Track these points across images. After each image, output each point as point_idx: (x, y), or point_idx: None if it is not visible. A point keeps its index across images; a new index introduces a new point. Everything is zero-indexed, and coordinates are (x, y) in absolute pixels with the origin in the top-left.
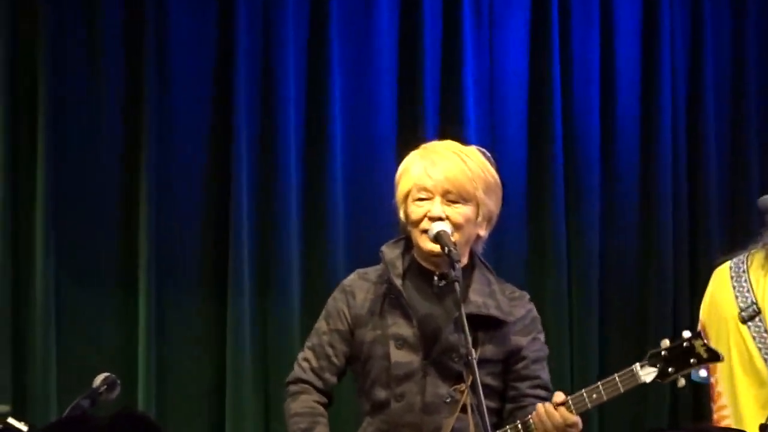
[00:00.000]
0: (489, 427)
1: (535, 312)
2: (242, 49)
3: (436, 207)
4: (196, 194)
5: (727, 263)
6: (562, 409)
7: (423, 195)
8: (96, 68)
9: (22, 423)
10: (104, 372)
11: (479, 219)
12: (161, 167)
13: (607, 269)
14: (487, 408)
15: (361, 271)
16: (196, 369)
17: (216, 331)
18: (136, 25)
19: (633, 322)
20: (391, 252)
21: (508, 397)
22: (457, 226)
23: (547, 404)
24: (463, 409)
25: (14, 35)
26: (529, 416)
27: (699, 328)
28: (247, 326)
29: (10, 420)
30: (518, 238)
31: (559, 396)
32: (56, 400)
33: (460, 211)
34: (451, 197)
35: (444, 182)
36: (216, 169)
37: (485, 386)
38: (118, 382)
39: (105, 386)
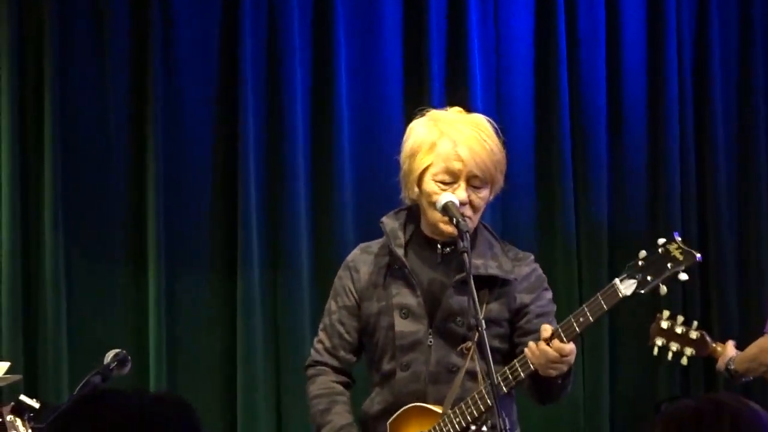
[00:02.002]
0: (492, 370)
1: (540, 271)
2: (248, 22)
3: (461, 192)
4: (205, 171)
5: None
6: (555, 342)
7: (448, 179)
8: (103, 51)
9: (34, 400)
10: (115, 348)
11: (491, 196)
12: (170, 144)
13: (615, 239)
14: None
15: (363, 245)
16: (207, 345)
17: (226, 307)
18: (142, 16)
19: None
20: (392, 222)
21: (515, 355)
22: (476, 209)
23: (538, 342)
24: (470, 376)
25: (21, 27)
26: (524, 354)
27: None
28: (257, 302)
29: (22, 397)
30: (526, 210)
31: (546, 330)
32: (67, 376)
33: (482, 195)
34: (476, 183)
35: (474, 168)
36: (224, 146)
37: (491, 348)
38: (129, 358)
39: (116, 362)
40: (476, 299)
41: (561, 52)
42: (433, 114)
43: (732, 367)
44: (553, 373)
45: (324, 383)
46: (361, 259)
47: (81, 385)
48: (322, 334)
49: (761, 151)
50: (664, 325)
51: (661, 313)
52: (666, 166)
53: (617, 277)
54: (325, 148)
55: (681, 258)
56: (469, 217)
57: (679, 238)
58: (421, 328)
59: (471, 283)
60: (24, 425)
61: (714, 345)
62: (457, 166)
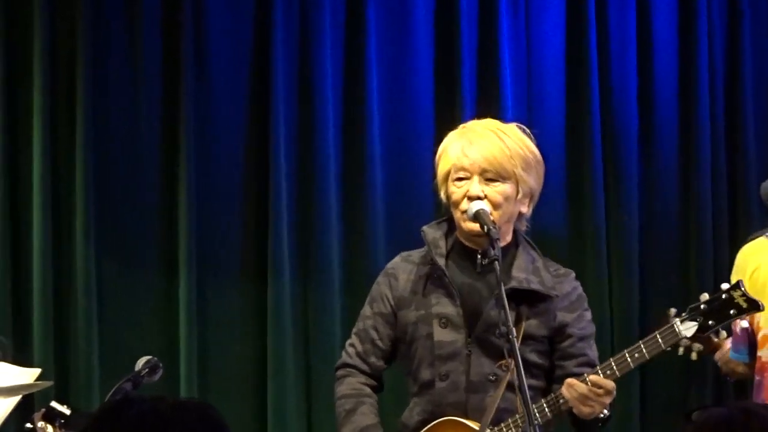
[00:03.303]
0: (529, 402)
1: (581, 290)
2: (279, 39)
3: (474, 186)
4: (236, 178)
5: (762, 239)
6: (592, 377)
7: (461, 175)
8: (135, 57)
9: (65, 406)
10: (146, 355)
11: (519, 196)
12: (201, 151)
13: (646, 248)
14: (532, 387)
15: (404, 253)
16: (238, 352)
17: (257, 314)
18: (175, 16)
19: (674, 299)
20: (433, 232)
21: (554, 377)
22: (495, 205)
23: (572, 379)
24: (510, 389)
25: (53, 24)
26: (560, 389)
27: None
28: (287, 310)
29: (53, 404)
30: (556, 218)
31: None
32: (98, 383)
33: (499, 190)
34: (489, 176)
35: (481, 161)
36: (255, 154)
37: (530, 363)
38: (161, 365)
39: (147, 369)
40: (506, 307)
41: (592, 60)
42: (463, 124)
43: (719, 365)
44: (586, 411)
45: (352, 384)
46: (401, 267)
47: (112, 392)
48: (354, 338)
49: None
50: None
51: (669, 310)
52: (697, 173)
53: (673, 310)
54: (356, 156)
55: (745, 306)
56: (489, 213)
57: (744, 287)
58: (460, 338)
59: (502, 291)
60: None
61: (716, 341)
62: (466, 161)
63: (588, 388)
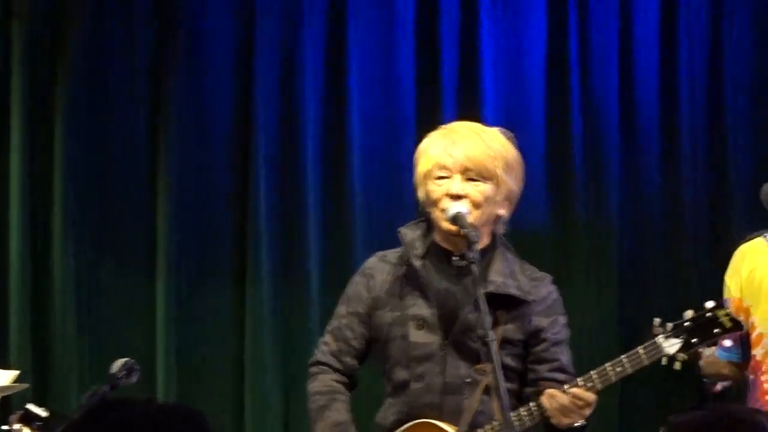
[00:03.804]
0: (508, 407)
1: (556, 294)
2: (262, 42)
3: (456, 184)
4: (217, 182)
5: (759, 239)
6: (574, 389)
7: (442, 173)
8: (117, 57)
9: (42, 409)
10: (123, 357)
11: (499, 198)
12: (182, 152)
13: (627, 249)
14: (506, 389)
15: (381, 253)
16: (216, 353)
17: (235, 315)
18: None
19: (653, 300)
20: (410, 233)
21: (527, 381)
22: (476, 204)
23: (553, 389)
24: (487, 391)
25: (33, 20)
26: (541, 398)
27: (731, 306)
28: (266, 311)
29: (30, 406)
30: (537, 221)
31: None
32: (76, 385)
33: (480, 189)
34: (471, 175)
35: (464, 160)
36: (236, 155)
37: (505, 367)
38: (137, 367)
39: (124, 371)
40: (486, 312)
41: (573, 61)
42: (443, 126)
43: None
44: (566, 421)
45: (325, 382)
46: (378, 267)
47: (89, 394)
48: (328, 336)
49: None
50: (657, 332)
51: (654, 320)
52: (678, 173)
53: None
54: (337, 158)
55: (729, 326)
56: (469, 212)
57: (730, 307)
58: (436, 340)
59: (480, 295)
60: None
61: (699, 350)
62: (448, 160)
63: (569, 399)
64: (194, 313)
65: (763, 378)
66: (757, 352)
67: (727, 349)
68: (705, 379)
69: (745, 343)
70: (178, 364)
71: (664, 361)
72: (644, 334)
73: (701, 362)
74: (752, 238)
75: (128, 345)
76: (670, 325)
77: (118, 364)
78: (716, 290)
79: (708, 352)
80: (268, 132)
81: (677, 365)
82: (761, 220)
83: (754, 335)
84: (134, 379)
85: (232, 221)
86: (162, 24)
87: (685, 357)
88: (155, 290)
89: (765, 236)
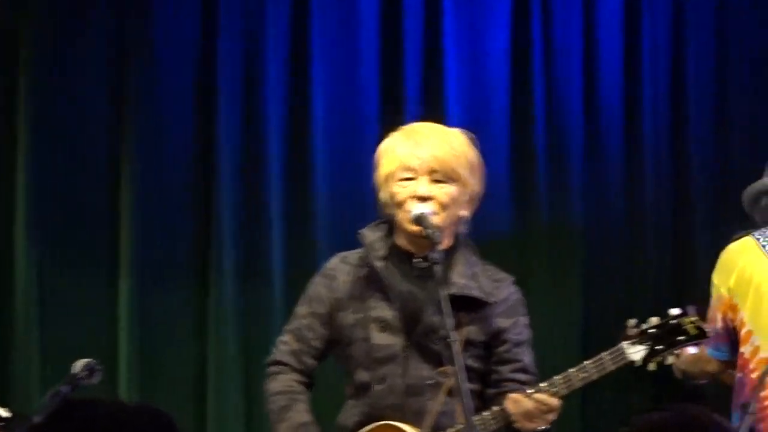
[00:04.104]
0: (471, 410)
1: (518, 295)
2: (224, 40)
3: (423, 186)
4: (179, 181)
5: (748, 238)
6: (538, 395)
7: (408, 175)
8: (79, 57)
9: (5, 409)
10: (85, 357)
11: (464, 199)
12: (145, 153)
13: (590, 250)
14: (469, 390)
15: (342, 254)
16: (178, 354)
17: (198, 316)
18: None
19: (617, 302)
20: (371, 234)
21: (489, 381)
22: (443, 206)
23: (517, 394)
24: (450, 393)
25: None
26: (505, 403)
27: (719, 304)
28: (229, 313)
29: None
30: (501, 223)
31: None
32: (38, 386)
33: (446, 191)
34: (437, 176)
35: (431, 161)
36: (199, 157)
37: (468, 368)
38: (99, 367)
39: (86, 372)
40: (448, 312)
41: (536, 64)
42: (404, 126)
43: (681, 367)
44: (530, 426)
45: (285, 382)
46: (339, 268)
47: (49, 395)
48: (288, 336)
49: (736, 161)
50: (632, 333)
51: (628, 322)
52: (642, 175)
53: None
54: (300, 158)
55: (693, 333)
56: (435, 214)
57: (695, 314)
58: (398, 342)
59: (443, 297)
60: None
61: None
62: (414, 161)
63: (534, 405)
64: (156, 313)
65: (752, 376)
66: (746, 349)
67: (718, 347)
68: (682, 378)
69: (732, 342)
70: (140, 365)
71: (636, 363)
72: (608, 336)
73: (676, 362)
74: (740, 238)
75: (90, 345)
76: (644, 326)
77: (79, 365)
78: (679, 290)
79: (691, 351)
80: (231, 131)
81: (652, 366)
82: (724, 221)
83: (742, 333)
84: (95, 379)
85: (195, 221)
86: (119, 21)
87: (661, 358)
88: (117, 290)
89: (753, 235)
